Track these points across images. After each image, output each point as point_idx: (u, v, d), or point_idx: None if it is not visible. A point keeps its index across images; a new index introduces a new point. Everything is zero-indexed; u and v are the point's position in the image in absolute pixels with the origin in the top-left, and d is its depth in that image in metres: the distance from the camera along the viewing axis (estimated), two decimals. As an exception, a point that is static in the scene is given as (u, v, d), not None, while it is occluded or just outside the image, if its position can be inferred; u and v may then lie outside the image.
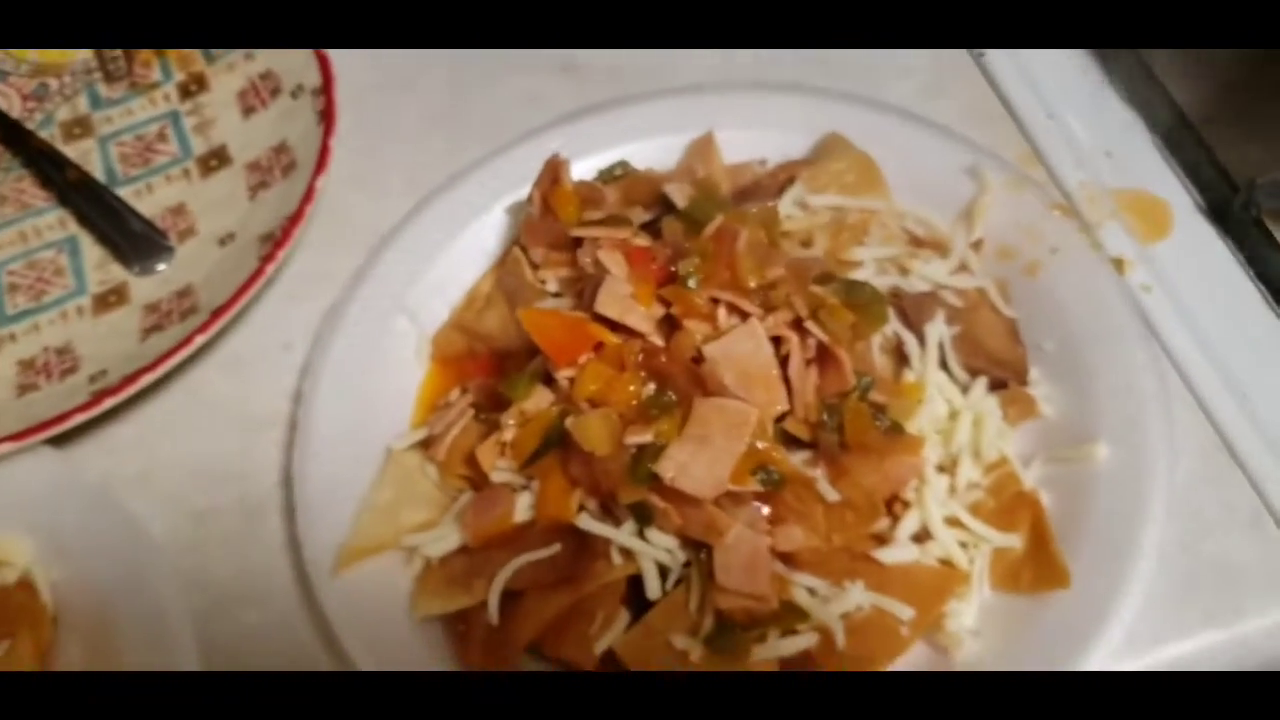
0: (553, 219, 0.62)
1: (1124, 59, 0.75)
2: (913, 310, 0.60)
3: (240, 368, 0.67)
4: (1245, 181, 0.68)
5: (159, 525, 0.62)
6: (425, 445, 0.61)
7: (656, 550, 0.53)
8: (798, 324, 0.54)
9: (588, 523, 0.54)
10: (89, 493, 0.61)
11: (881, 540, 0.56)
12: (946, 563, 0.56)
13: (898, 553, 0.55)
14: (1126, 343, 0.61)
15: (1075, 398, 0.61)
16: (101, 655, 0.58)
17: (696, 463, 0.51)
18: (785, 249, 0.60)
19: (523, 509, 0.57)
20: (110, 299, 0.69)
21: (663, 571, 0.54)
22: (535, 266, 0.62)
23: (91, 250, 0.71)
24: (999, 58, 0.76)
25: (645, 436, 0.52)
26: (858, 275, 0.61)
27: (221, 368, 0.67)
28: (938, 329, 0.59)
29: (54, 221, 0.73)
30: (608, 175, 0.66)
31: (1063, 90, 0.75)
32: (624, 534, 0.53)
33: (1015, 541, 0.56)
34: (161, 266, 0.70)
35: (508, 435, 0.57)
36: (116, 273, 0.70)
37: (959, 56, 0.77)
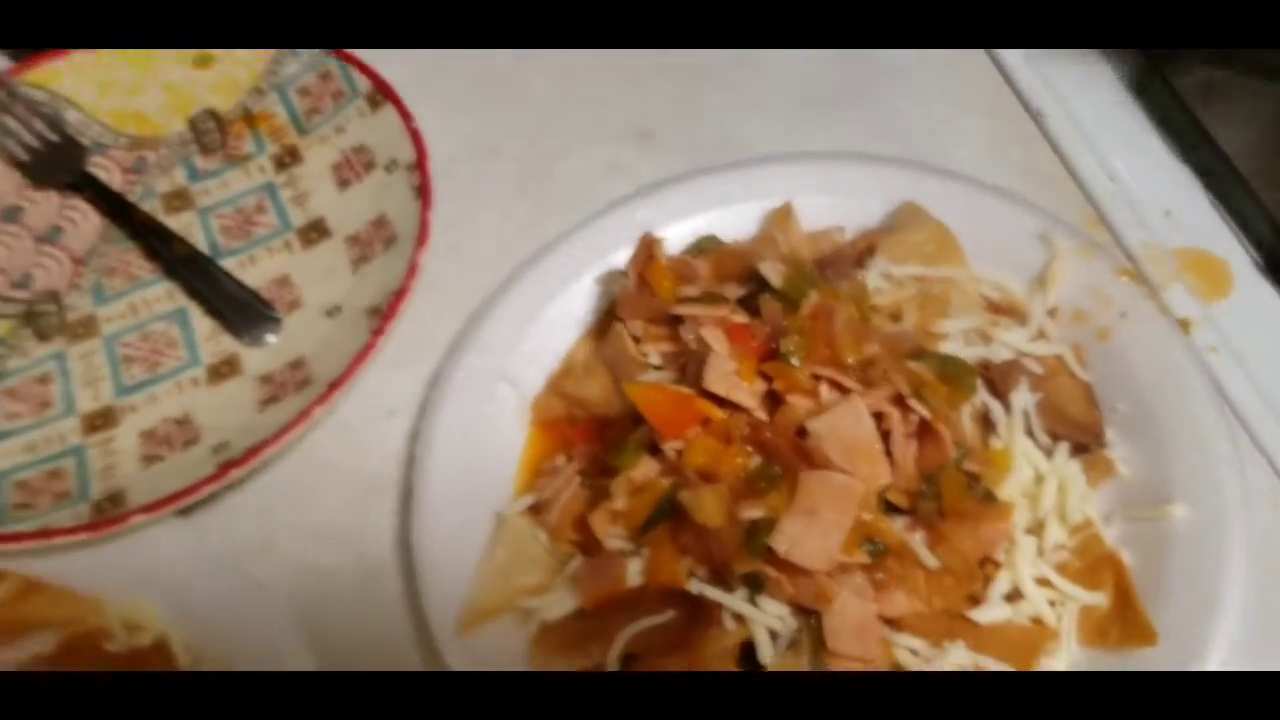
0: (649, 293, 0.66)
1: (1176, 115, 0.79)
2: (999, 379, 0.63)
3: (349, 434, 0.71)
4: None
5: (281, 588, 0.66)
6: (534, 510, 0.65)
7: (768, 617, 0.57)
8: (898, 399, 0.58)
9: (703, 589, 0.57)
10: (214, 559, 0.64)
11: (974, 599, 0.59)
12: (1037, 621, 0.59)
13: (991, 612, 0.59)
14: (1197, 404, 0.64)
15: (1150, 459, 0.64)
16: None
17: (809, 536, 0.55)
18: (876, 324, 0.64)
19: (633, 574, 0.60)
20: (223, 370, 0.72)
21: (772, 635, 0.57)
22: (636, 339, 0.65)
23: (201, 322, 0.75)
24: (1058, 119, 0.79)
25: (758, 511, 0.56)
26: (945, 346, 0.64)
27: (332, 435, 0.71)
28: (1022, 397, 0.63)
29: (162, 294, 0.76)
30: (697, 249, 0.69)
31: (1120, 150, 0.79)
32: (738, 600, 0.57)
33: (1101, 599, 0.60)
34: (271, 338, 0.73)
35: (619, 504, 0.60)
36: (228, 344, 0.73)
37: (1017, 119, 0.80)
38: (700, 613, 0.58)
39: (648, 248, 0.67)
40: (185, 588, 0.64)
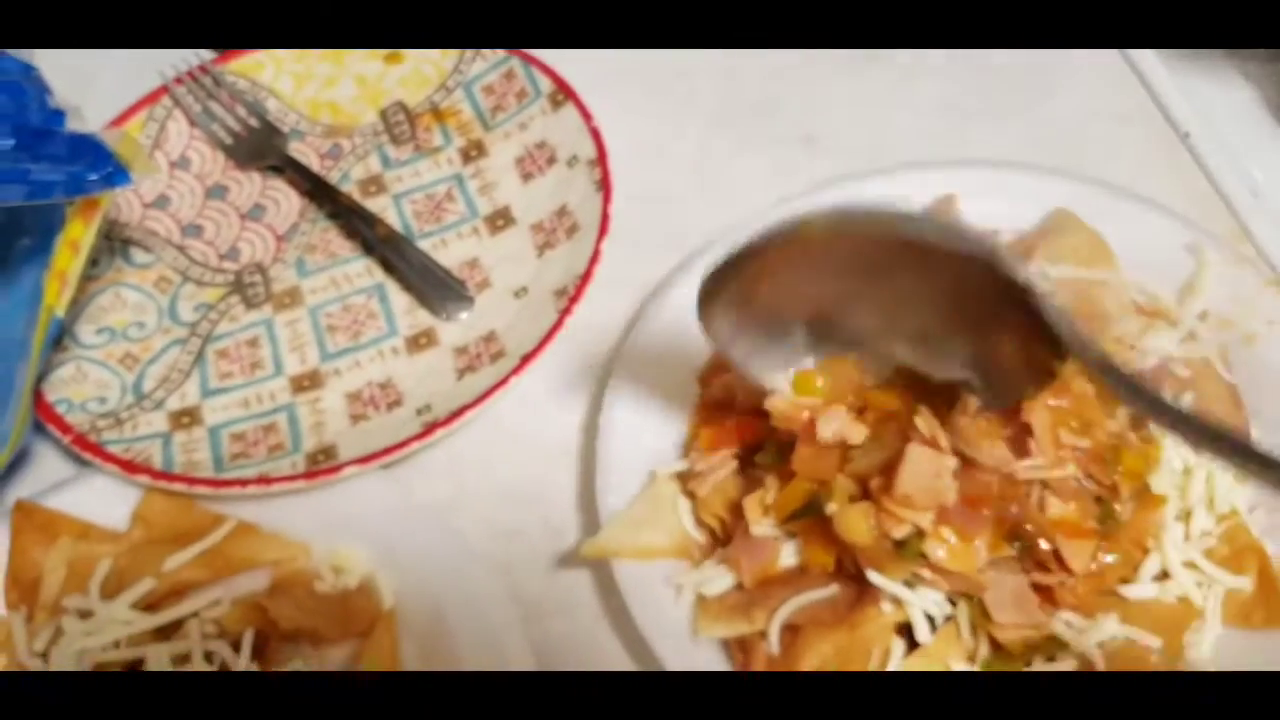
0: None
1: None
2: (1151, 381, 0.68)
3: (532, 404, 0.77)
4: None
5: (472, 542, 0.72)
6: (684, 477, 0.69)
7: (925, 601, 0.61)
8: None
9: (864, 573, 0.62)
10: (418, 510, 0.70)
11: (1125, 579, 0.64)
12: (1184, 600, 0.63)
13: (1141, 590, 0.63)
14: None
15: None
16: (439, 656, 0.67)
17: (961, 544, 0.59)
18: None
19: (787, 555, 0.65)
20: (421, 341, 0.79)
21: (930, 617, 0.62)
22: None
23: (398, 297, 0.81)
24: (1203, 139, 0.83)
25: (905, 529, 0.60)
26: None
27: (515, 405, 0.76)
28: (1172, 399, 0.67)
29: (361, 269, 0.83)
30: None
31: (1265, 168, 0.82)
32: (896, 585, 0.61)
33: (1245, 584, 0.64)
34: (464, 314, 0.79)
35: (770, 496, 0.65)
36: (423, 318, 0.80)
37: (1165, 136, 0.84)
38: (861, 590, 0.62)
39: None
40: (390, 535, 0.70)
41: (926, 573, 0.60)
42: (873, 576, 0.61)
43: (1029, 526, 0.60)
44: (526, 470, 0.75)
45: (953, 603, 0.62)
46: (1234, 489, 0.66)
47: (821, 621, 0.62)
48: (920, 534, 0.60)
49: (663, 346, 0.75)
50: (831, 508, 0.62)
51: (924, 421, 0.60)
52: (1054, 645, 0.61)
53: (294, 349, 0.79)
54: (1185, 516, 0.65)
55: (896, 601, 0.62)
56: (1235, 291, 0.73)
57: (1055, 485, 0.62)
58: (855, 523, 0.60)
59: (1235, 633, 0.64)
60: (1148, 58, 0.88)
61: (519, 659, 0.65)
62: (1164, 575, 0.64)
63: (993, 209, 0.77)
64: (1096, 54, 0.89)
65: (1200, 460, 0.66)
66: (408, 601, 0.69)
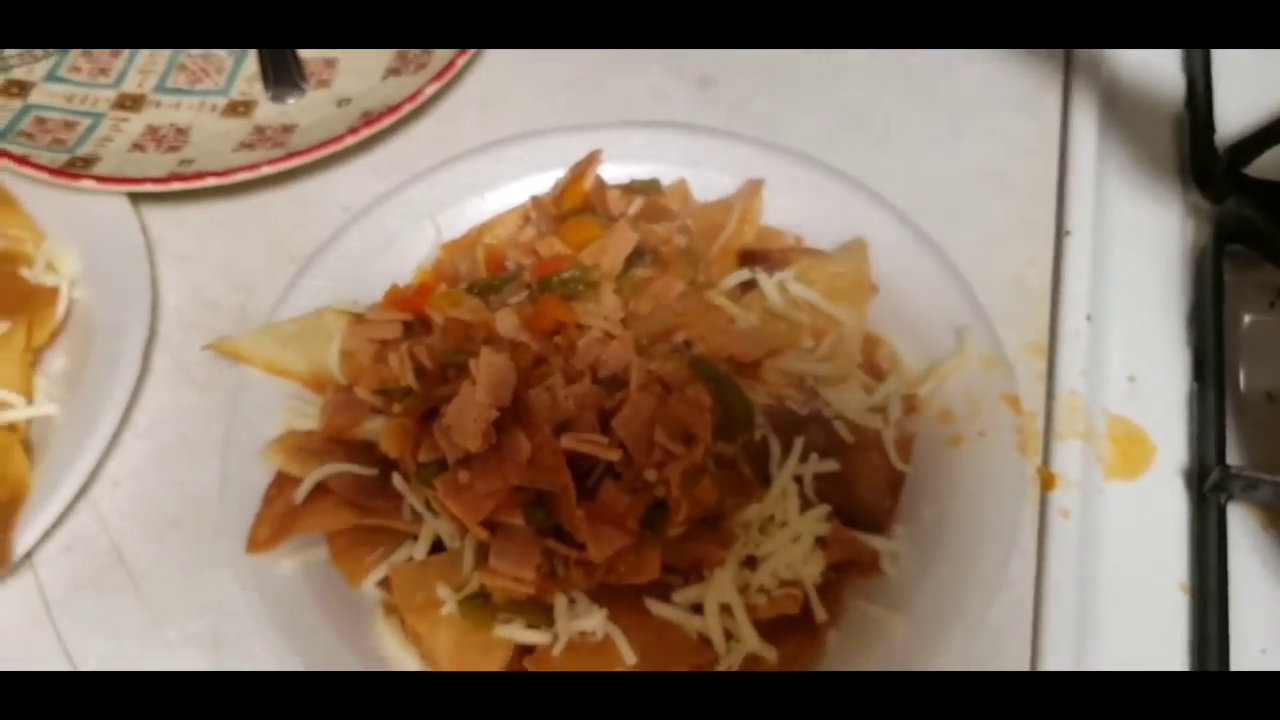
0: (558, 200, 0.70)
1: (1208, 296, 0.73)
2: (792, 425, 0.63)
3: (303, 206, 0.78)
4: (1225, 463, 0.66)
5: (179, 293, 0.75)
6: (356, 320, 0.68)
7: (440, 525, 0.61)
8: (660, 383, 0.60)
9: (394, 479, 0.62)
10: (135, 249, 0.74)
11: (666, 590, 0.61)
12: (704, 640, 0.60)
13: (666, 610, 0.60)
14: (989, 546, 0.62)
15: (916, 569, 0.63)
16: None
17: (470, 489, 0.58)
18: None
19: (372, 429, 0.65)
20: (240, 109, 0.81)
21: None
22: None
23: (250, 64, 0.83)
24: (1080, 243, 0.75)
25: (430, 456, 0.60)
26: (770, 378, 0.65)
27: (290, 199, 0.78)
28: (800, 444, 0.63)
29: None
30: (633, 186, 0.71)
31: (1127, 300, 0.74)
32: (417, 499, 0.61)
33: (771, 654, 0.60)
34: (291, 100, 0.81)
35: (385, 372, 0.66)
36: (257, 90, 0.82)
37: (1044, 224, 0.76)
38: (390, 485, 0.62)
39: (591, 159, 0.71)
40: (107, 259, 0.74)
41: (437, 504, 0.60)
42: (397, 482, 0.62)
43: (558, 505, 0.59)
44: (261, 258, 0.76)
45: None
46: (812, 561, 0.61)
47: (345, 497, 0.63)
48: (442, 466, 0.59)
49: (430, 206, 0.74)
50: (396, 409, 0.62)
51: (478, 364, 0.59)
52: (537, 615, 0.59)
53: (143, 70, 0.82)
54: (754, 565, 0.61)
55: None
56: (971, 389, 0.67)
57: (622, 470, 0.60)
58: (390, 433, 0.62)
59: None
60: (1086, 148, 0.79)
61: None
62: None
63: (799, 208, 0.73)
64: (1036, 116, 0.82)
65: (797, 520, 0.62)
66: (83, 314, 0.73)
